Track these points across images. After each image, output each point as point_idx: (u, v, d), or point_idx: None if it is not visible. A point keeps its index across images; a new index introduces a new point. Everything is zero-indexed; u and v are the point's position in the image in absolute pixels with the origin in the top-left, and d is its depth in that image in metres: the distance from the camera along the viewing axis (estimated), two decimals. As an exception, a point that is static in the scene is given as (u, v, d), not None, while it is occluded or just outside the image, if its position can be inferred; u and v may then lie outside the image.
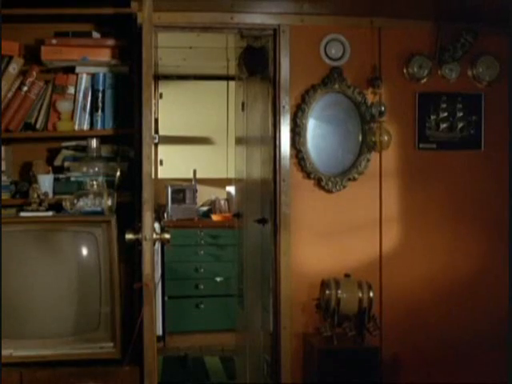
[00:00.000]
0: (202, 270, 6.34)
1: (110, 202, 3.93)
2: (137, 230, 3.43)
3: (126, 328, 3.84)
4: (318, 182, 4.42)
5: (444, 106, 4.57)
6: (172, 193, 6.39)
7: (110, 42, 4.15)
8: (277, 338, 4.44)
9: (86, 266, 3.87)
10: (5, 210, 3.95)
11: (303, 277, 4.38)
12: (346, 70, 4.44)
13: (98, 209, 3.91)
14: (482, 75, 4.59)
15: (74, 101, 4.15)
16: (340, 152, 4.49)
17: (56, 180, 4.11)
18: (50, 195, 4.03)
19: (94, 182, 3.97)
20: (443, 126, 4.58)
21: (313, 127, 4.43)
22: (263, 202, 4.65)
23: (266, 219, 4.60)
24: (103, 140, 4.21)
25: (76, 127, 4.15)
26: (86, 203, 3.92)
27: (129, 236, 3.40)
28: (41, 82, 4.12)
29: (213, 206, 7.14)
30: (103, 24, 4.26)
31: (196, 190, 6.69)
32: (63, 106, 4.11)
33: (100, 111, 4.15)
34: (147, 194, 3.36)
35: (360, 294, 4.20)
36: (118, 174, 4.11)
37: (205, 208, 7.14)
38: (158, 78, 6.78)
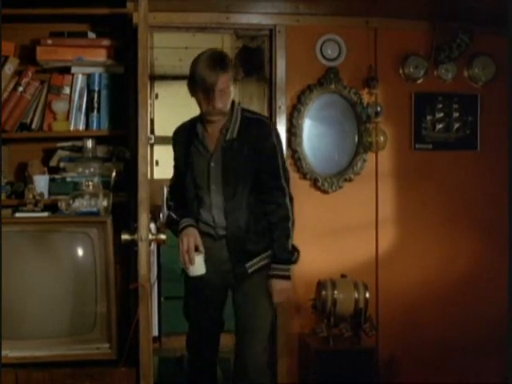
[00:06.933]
0: (198, 270, 6.31)
1: (105, 203, 3.91)
2: (132, 230, 3.42)
3: (122, 329, 3.83)
4: (314, 183, 4.42)
5: (440, 106, 4.58)
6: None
7: (106, 42, 4.14)
8: (273, 338, 4.43)
9: (82, 266, 3.86)
10: (0, 211, 3.94)
11: (299, 277, 4.35)
12: (341, 70, 4.44)
13: (94, 209, 3.90)
14: (478, 75, 4.60)
15: (70, 101, 4.14)
16: (336, 152, 4.49)
17: (51, 180, 4.10)
18: (46, 196, 4.02)
19: (90, 183, 3.96)
20: (439, 126, 4.58)
21: (309, 128, 4.43)
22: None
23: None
24: (99, 140, 4.20)
25: (71, 127, 4.14)
26: (81, 204, 3.91)
27: (124, 237, 3.39)
28: (36, 82, 4.11)
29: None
30: (99, 24, 4.25)
31: (192, 191, 6.65)
32: (59, 106, 4.10)
33: (96, 111, 4.14)
34: (143, 194, 3.35)
35: (356, 295, 4.20)
36: (114, 174, 4.09)
37: (201, 208, 7.11)
38: (154, 78, 6.76)
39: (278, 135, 3.55)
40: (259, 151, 3.44)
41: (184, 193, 3.54)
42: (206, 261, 3.40)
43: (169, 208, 3.64)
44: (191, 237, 3.38)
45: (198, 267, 3.37)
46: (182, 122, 3.65)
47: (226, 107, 3.40)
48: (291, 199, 3.52)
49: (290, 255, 3.50)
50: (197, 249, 3.36)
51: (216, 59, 3.36)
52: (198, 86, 3.35)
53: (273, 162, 3.48)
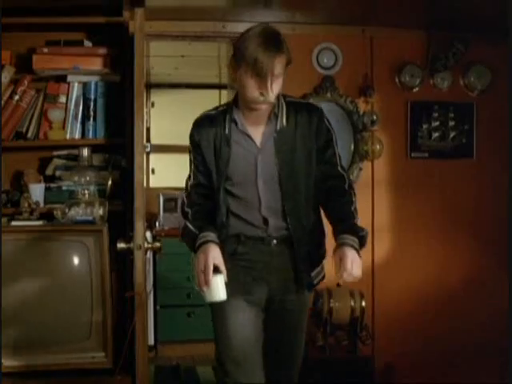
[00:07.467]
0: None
1: (101, 211, 3.91)
2: (128, 239, 3.42)
3: (118, 337, 3.82)
4: (310, 191, 4.41)
5: (436, 115, 4.58)
6: (164, 201, 6.36)
7: (102, 50, 4.13)
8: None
9: (78, 275, 3.85)
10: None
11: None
12: (338, 78, 4.45)
13: (90, 218, 3.89)
14: (474, 84, 4.60)
15: (66, 110, 4.13)
16: (332, 161, 4.48)
17: (47, 189, 4.10)
18: (42, 204, 4.02)
19: (86, 191, 3.96)
20: (435, 134, 4.59)
21: (305, 136, 4.43)
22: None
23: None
24: (95, 149, 4.19)
25: (67, 136, 4.13)
26: (77, 212, 3.90)
27: (120, 245, 3.39)
28: (32, 90, 4.10)
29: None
30: (95, 33, 4.25)
31: (188, 199, 6.65)
32: (55, 114, 4.09)
33: (92, 120, 4.13)
34: (139, 203, 3.36)
35: (352, 303, 4.20)
36: (110, 183, 4.09)
37: (197, 217, 7.09)
38: (150, 86, 6.77)
39: (328, 120, 3.04)
40: (314, 138, 2.95)
41: (211, 194, 3.00)
42: (249, 270, 2.92)
43: (185, 216, 3.02)
44: (210, 255, 2.76)
45: (216, 291, 2.72)
46: (202, 113, 3.07)
47: (276, 95, 2.82)
48: (350, 186, 2.99)
49: (360, 230, 2.86)
50: (216, 270, 2.73)
51: (272, 37, 2.81)
52: (249, 68, 2.74)
53: (328, 148, 3.02)
